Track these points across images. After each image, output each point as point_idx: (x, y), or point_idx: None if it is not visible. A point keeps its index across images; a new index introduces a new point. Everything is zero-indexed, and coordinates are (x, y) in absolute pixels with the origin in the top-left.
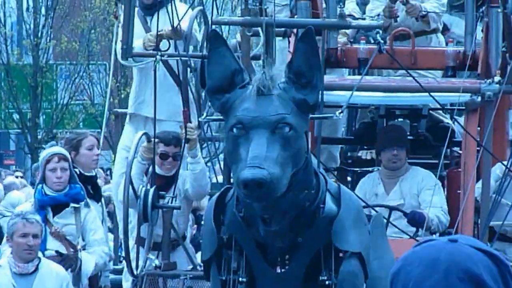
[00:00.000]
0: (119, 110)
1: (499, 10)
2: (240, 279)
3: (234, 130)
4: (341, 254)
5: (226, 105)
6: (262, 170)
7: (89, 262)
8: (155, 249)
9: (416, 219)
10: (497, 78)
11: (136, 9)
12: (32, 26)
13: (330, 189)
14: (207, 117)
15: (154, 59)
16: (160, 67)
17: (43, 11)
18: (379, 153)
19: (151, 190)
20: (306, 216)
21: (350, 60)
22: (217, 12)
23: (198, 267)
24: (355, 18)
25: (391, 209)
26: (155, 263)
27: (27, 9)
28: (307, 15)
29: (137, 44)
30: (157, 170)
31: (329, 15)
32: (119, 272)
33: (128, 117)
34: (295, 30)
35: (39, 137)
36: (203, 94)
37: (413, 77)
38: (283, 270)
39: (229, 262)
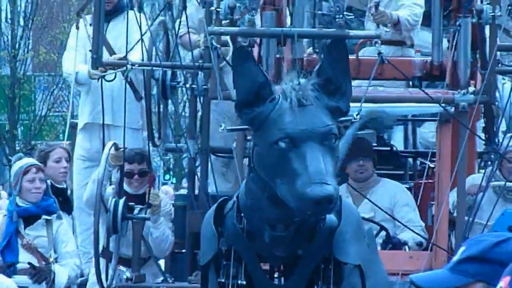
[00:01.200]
0: (75, 121)
1: (474, 20)
2: (240, 282)
3: (281, 144)
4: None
5: (257, 119)
6: (329, 186)
7: (62, 274)
8: (125, 265)
9: (396, 246)
10: (471, 89)
11: (90, 15)
12: (9, 37)
13: None
14: (228, 128)
15: (124, 68)
16: (118, 75)
17: (21, 22)
18: (345, 167)
19: (121, 201)
20: (307, 226)
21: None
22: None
23: (168, 280)
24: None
25: (381, 227)
26: (126, 275)
27: (5, 20)
28: (272, 25)
29: (82, 70)
30: (126, 188)
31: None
32: (84, 285)
33: (79, 126)
34: (258, 41)
35: (17, 148)
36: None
37: (421, 89)
38: (283, 282)
39: (227, 269)
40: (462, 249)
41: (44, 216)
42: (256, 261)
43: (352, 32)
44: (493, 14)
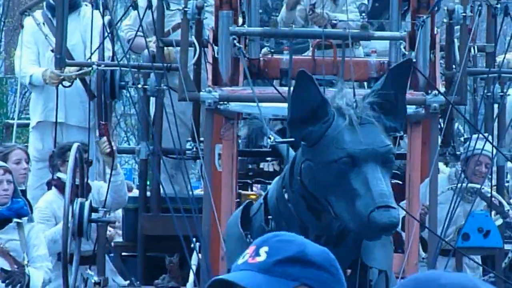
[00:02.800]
0: (11, 121)
1: (445, 20)
2: None
3: (341, 163)
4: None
5: (311, 136)
6: (394, 211)
7: (37, 277)
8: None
9: None
10: (442, 90)
11: (40, 11)
12: None
13: None
14: (276, 140)
15: (90, 69)
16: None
17: None
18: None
19: (87, 204)
20: (338, 231)
21: (273, 71)
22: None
23: (135, 283)
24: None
25: None
26: (94, 279)
27: None
28: (228, 24)
29: (37, 73)
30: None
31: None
32: None
33: (31, 124)
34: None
35: None
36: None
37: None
38: None
39: None
40: (264, 248)
41: (15, 219)
42: None
43: (376, 33)
44: (464, 14)
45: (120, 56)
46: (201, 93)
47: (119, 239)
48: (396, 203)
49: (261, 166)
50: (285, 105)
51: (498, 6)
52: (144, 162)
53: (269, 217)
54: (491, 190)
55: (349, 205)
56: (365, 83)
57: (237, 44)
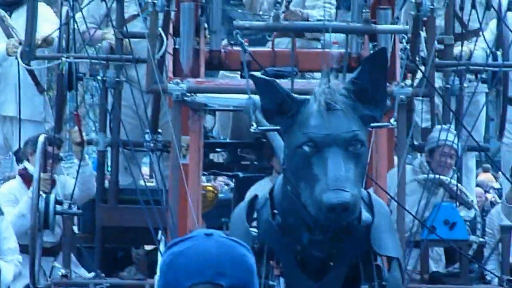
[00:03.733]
0: None
1: (412, 12)
2: (270, 282)
3: (305, 148)
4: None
5: (285, 124)
6: (346, 193)
7: (8, 271)
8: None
9: None
10: (408, 81)
11: None
12: None
13: (362, 196)
14: (259, 127)
15: (60, 61)
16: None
17: None
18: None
19: (52, 196)
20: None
21: (233, 63)
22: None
23: (100, 275)
24: None
25: None
26: (61, 272)
27: None
28: (190, 17)
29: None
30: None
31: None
32: None
33: None
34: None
35: None
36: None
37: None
38: (320, 281)
39: (259, 268)
40: None
41: None
42: (292, 258)
43: (379, 27)
44: (432, 7)
45: (79, 48)
46: (169, 84)
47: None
48: None
49: (210, 157)
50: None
51: None
52: (102, 154)
53: (275, 211)
54: (457, 181)
55: (310, 191)
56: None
57: (240, 38)
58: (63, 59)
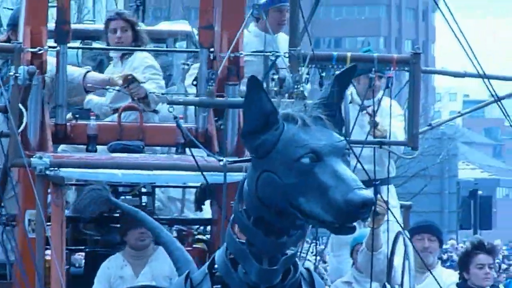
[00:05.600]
0: None
1: (275, 88)
2: None
3: (305, 159)
4: None
5: (263, 146)
6: (367, 191)
7: None
8: None
9: None
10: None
11: None
12: None
13: (302, 273)
14: (229, 160)
15: None
16: None
17: None
18: (125, 234)
19: None
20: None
21: (79, 136)
22: None
23: None
24: None
25: None
26: None
27: None
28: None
29: None
30: None
31: None
32: None
33: None
34: None
35: None
36: None
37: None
38: None
39: None
40: None
41: None
42: None
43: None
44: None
45: None
46: (32, 159)
47: None
48: None
49: None
50: (119, 171)
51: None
52: None
53: (215, 286)
54: None
55: (320, 199)
56: (174, 149)
57: (175, 116)
58: None
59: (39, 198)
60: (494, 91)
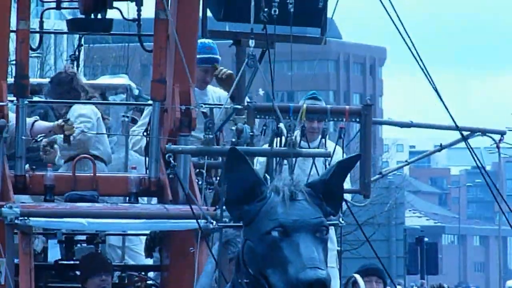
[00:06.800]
0: None
1: (233, 139)
2: None
3: (274, 233)
4: None
5: (247, 216)
6: (322, 271)
7: None
8: None
9: None
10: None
11: None
12: None
13: None
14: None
15: None
16: None
17: None
18: (85, 281)
19: None
20: None
21: (37, 186)
22: None
23: None
24: None
25: None
26: None
27: None
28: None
29: None
30: None
31: None
32: None
33: None
34: None
35: None
36: None
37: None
38: None
39: None
40: None
41: None
42: None
43: (304, 151)
44: (252, 133)
45: None
46: (2, 208)
47: None
48: None
49: None
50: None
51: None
52: None
53: None
54: None
55: (282, 273)
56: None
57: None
58: None
59: (9, 247)
60: (455, 123)
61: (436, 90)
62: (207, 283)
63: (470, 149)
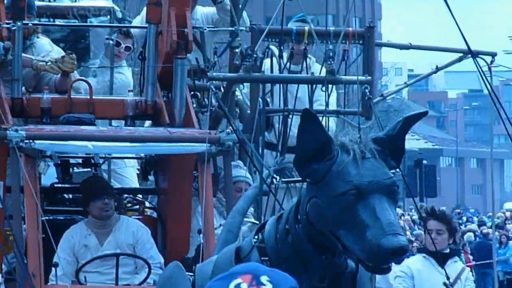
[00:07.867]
0: None
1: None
2: None
3: (348, 195)
4: None
5: (316, 175)
6: (402, 237)
7: None
8: None
9: None
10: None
11: None
12: None
13: None
14: (282, 181)
15: None
16: None
17: None
18: (87, 204)
19: None
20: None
21: (34, 110)
22: None
23: None
24: None
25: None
26: None
27: None
28: None
29: None
30: None
31: None
32: None
33: None
34: None
35: None
36: None
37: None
38: None
39: None
40: (264, 277)
41: None
42: None
43: (344, 78)
44: (256, 55)
45: None
46: (7, 131)
47: None
48: None
49: None
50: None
51: None
52: None
53: (263, 258)
54: None
55: (358, 237)
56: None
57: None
58: None
59: (14, 169)
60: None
61: (449, 9)
62: (243, 207)
63: (478, 66)
